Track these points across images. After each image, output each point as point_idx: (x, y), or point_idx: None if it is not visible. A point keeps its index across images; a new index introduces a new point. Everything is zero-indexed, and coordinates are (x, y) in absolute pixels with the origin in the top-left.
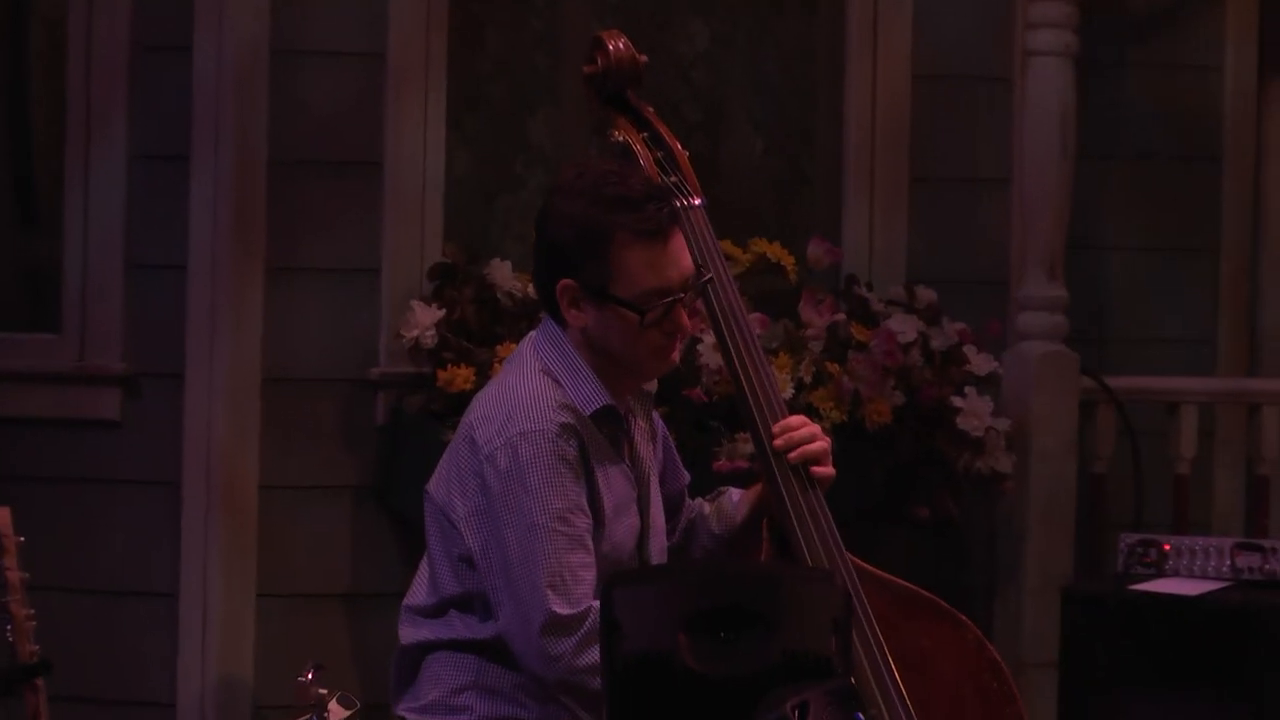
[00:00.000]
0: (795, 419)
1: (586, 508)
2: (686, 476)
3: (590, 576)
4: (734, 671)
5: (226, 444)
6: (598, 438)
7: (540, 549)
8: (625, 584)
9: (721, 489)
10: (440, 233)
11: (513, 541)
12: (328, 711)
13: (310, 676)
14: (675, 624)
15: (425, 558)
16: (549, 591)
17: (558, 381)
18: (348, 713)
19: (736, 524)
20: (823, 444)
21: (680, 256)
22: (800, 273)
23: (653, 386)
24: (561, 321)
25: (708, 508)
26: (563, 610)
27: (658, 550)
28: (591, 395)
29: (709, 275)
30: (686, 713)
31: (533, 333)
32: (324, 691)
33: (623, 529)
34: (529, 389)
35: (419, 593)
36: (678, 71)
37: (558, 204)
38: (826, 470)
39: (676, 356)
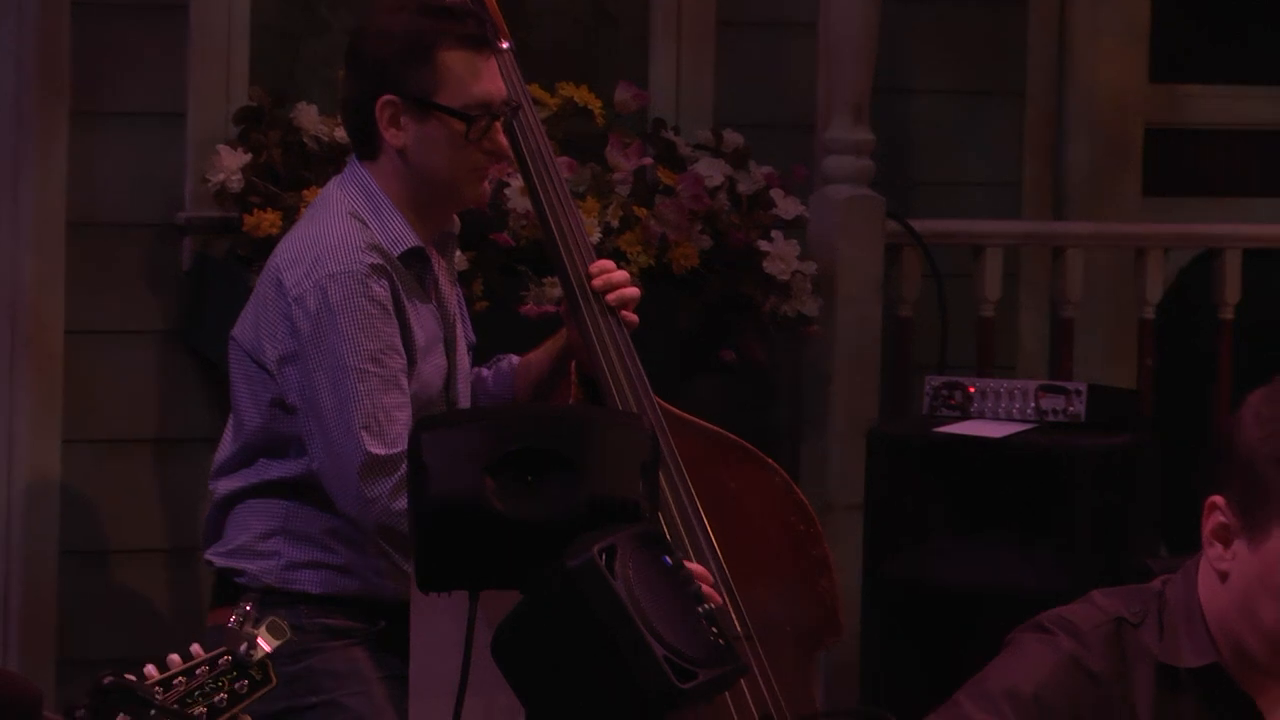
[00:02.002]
0: (607, 263)
1: (400, 348)
2: (472, 337)
3: (405, 417)
4: (541, 514)
5: (32, 289)
6: (406, 278)
7: (353, 391)
8: (432, 427)
9: (499, 356)
10: (246, 76)
11: (325, 384)
12: (255, 647)
13: (248, 609)
14: (483, 467)
15: (232, 409)
16: (364, 433)
17: (364, 223)
18: (278, 641)
19: (518, 384)
20: (635, 290)
21: (498, 78)
22: (607, 117)
23: (456, 226)
24: (372, 155)
25: (486, 372)
26: (379, 451)
27: (464, 393)
28: (399, 235)
29: (519, 103)
30: (494, 556)
31: (336, 177)
32: (255, 632)
33: (430, 368)
34: (336, 231)
35: (225, 447)
36: None
37: (378, 21)
38: (632, 318)
39: (488, 187)
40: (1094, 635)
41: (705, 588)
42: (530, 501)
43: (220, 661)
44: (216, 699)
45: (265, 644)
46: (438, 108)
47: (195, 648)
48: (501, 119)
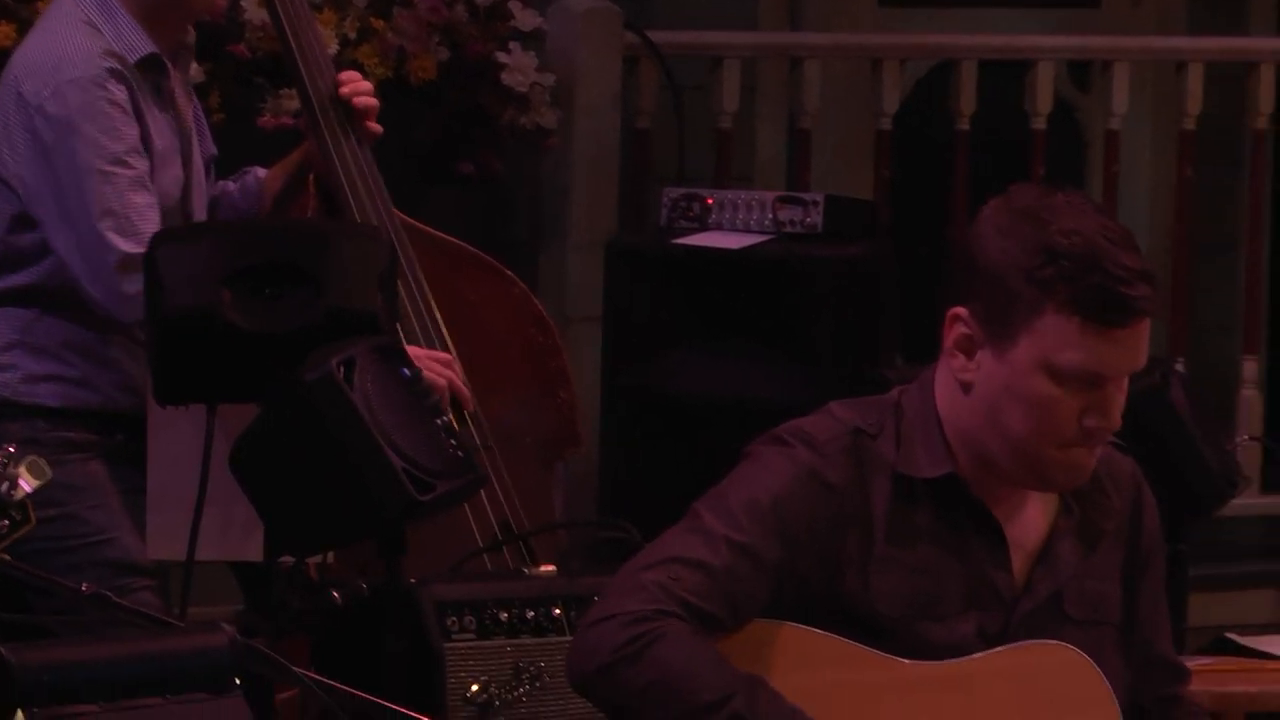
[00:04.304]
0: (354, 74)
1: (143, 150)
2: (213, 149)
3: (155, 216)
4: (279, 327)
5: None
6: (143, 85)
7: (101, 192)
8: (167, 242)
9: (246, 169)
10: None
11: (71, 189)
12: (17, 486)
13: (11, 450)
14: (220, 281)
15: None
16: (116, 235)
17: (99, 30)
18: (39, 482)
19: (265, 198)
20: (375, 100)
21: None
22: None
23: (191, 37)
24: None
25: (232, 185)
26: (132, 249)
27: (200, 205)
28: (135, 43)
29: None
30: (232, 369)
31: None
32: (20, 470)
33: (168, 179)
34: (73, 38)
35: None
36: None
37: None
38: (376, 128)
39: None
40: (831, 447)
41: (453, 377)
42: (268, 314)
43: None
44: None
45: (26, 484)
46: None
47: None
48: None
